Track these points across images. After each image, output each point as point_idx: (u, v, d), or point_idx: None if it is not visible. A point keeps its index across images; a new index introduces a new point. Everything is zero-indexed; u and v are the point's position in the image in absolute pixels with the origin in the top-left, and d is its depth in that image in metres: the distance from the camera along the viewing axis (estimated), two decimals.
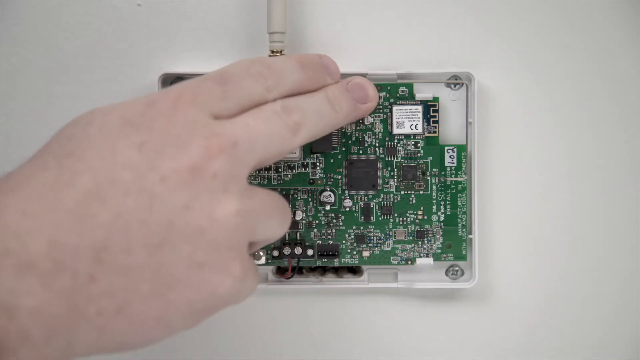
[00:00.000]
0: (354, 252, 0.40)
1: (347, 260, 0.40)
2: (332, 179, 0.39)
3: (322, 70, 0.35)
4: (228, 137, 0.28)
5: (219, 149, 0.27)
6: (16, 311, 0.22)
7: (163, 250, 0.25)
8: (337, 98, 0.34)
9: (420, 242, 0.39)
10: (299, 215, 0.39)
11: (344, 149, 0.39)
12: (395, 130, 0.39)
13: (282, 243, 0.39)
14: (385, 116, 0.39)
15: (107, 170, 0.25)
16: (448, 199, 0.39)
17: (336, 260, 0.39)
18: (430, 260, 0.39)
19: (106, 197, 0.25)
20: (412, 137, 0.39)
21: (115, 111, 0.27)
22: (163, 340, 0.27)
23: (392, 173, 0.39)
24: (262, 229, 0.29)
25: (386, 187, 0.39)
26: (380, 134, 0.39)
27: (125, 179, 0.25)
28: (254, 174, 0.39)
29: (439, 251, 0.40)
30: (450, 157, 0.39)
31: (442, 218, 0.39)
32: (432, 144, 0.39)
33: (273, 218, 0.30)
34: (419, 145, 0.39)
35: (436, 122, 0.39)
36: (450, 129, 0.40)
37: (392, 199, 0.39)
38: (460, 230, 0.39)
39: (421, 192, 0.39)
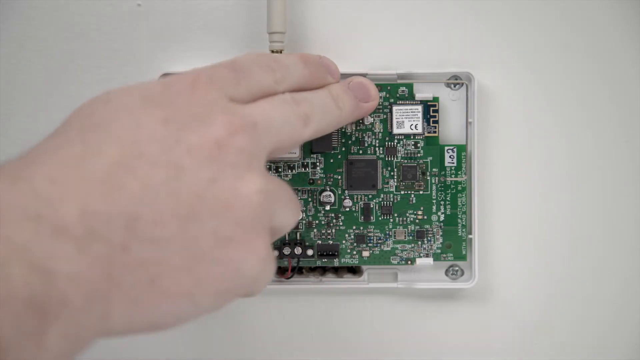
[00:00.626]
0: (354, 252, 0.40)
1: (347, 260, 0.40)
2: (332, 179, 0.39)
3: (323, 68, 0.35)
4: (248, 117, 0.28)
5: (242, 127, 0.27)
6: (55, 276, 0.22)
7: (192, 223, 0.25)
8: (340, 96, 0.35)
9: (420, 242, 0.39)
10: (299, 215, 0.39)
11: (343, 149, 0.39)
12: (395, 130, 0.39)
13: (282, 243, 0.39)
14: (385, 116, 0.39)
15: (134, 143, 0.25)
16: (448, 199, 0.39)
17: (336, 260, 0.39)
18: (430, 260, 0.39)
19: (134, 169, 0.25)
20: (412, 137, 0.39)
21: (134, 90, 0.28)
22: (183, 325, 0.27)
23: (392, 173, 0.39)
24: (279, 215, 0.29)
25: (386, 187, 0.39)
26: (380, 134, 0.39)
27: (152, 152, 0.25)
28: None
29: (439, 251, 0.40)
30: (450, 157, 0.39)
31: (442, 218, 0.39)
32: (432, 144, 0.39)
33: (287, 206, 0.30)
34: (418, 145, 0.39)
35: (436, 122, 0.39)
36: (450, 129, 0.40)
37: (392, 199, 0.39)
38: (460, 230, 0.39)
39: (421, 192, 0.39)
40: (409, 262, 0.40)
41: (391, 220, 0.39)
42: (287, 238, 0.39)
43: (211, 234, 0.26)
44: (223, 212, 0.26)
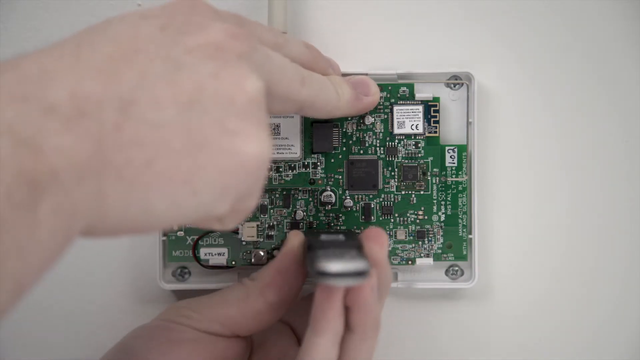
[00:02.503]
0: None
1: None
2: (332, 179, 0.39)
3: (325, 58, 0.35)
4: (249, 34, 0.28)
5: (241, 35, 0.27)
6: (43, 149, 0.21)
7: (193, 109, 0.25)
8: (339, 83, 0.35)
9: (420, 242, 0.39)
10: (300, 215, 0.39)
11: (344, 149, 0.39)
12: (396, 130, 0.39)
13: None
14: (386, 116, 0.39)
15: (130, 42, 0.25)
16: (449, 199, 0.39)
17: None
18: (430, 260, 0.39)
19: (131, 61, 0.24)
20: (412, 137, 0.39)
21: (133, 12, 0.27)
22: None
23: (392, 173, 0.39)
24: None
25: (387, 187, 0.39)
26: (381, 134, 0.39)
27: (150, 50, 0.25)
28: None
29: (440, 251, 0.40)
30: (450, 157, 0.39)
31: (442, 218, 0.39)
32: (433, 144, 0.39)
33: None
34: (419, 145, 0.39)
35: (437, 122, 0.39)
36: (451, 129, 0.40)
37: (392, 199, 0.39)
38: (460, 230, 0.39)
39: (422, 192, 0.39)
40: (410, 262, 0.40)
41: (392, 220, 0.39)
42: None
43: (216, 124, 0.25)
44: (227, 104, 0.25)
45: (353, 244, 0.33)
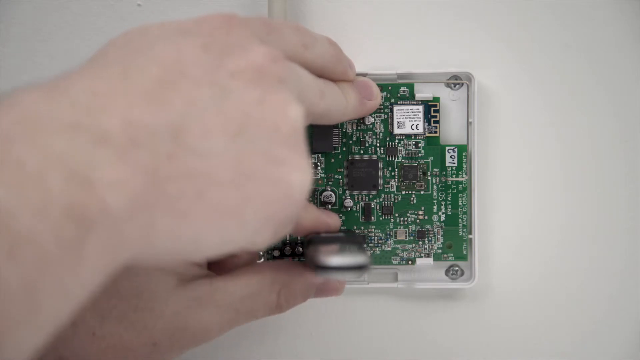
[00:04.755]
0: None
1: None
2: (332, 179, 0.39)
3: (346, 57, 0.35)
4: (283, 54, 0.28)
5: (280, 58, 0.27)
6: (95, 183, 0.21)
7: (241, 140, 0.25)
8: (346, 89, 0.35)
9: (420, 242, 0.39)
10: None
11: (344, 148, 0.39)
12: (396, 130, 0.39)
13: (283, 243, 0.39)
14: (386, 116, 0.39)
15: (176, 64, 0.25)
16: (449, 199, 0.39)
17: None
18: (430, 261, 0.39)
19: (179, 86, 0.24)
20: (412, 137, 0.39)
21: (169, 23, 0.27)
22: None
23: (392, 173, 0.39)
24: None
25: (387, 187, 0.39)
26: (381, 134, 0.39)
27: (196, 73, 0.25)
28: None
29: (440, 251, 0.40)
30: (451, 157, 0.39)
31: (442, 218, 0.39)
32: (433, 144, 0.39)
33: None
34: (419, 145, 0.39)
35: (437, 122, 0.39)
36: (451, 129, 0.40)
37: (392, 199, 0.39)
38: (460, 230, 0.39)
39: (422, 192, 0.39)
40: (410, 262, 0.40)
41: (392, 220, 0.39)
42: (287, 238, 0.39)
43: (262, 153, 0.25)
44: (272, 133, 0.26)
45: (353, 240, 0.33)
